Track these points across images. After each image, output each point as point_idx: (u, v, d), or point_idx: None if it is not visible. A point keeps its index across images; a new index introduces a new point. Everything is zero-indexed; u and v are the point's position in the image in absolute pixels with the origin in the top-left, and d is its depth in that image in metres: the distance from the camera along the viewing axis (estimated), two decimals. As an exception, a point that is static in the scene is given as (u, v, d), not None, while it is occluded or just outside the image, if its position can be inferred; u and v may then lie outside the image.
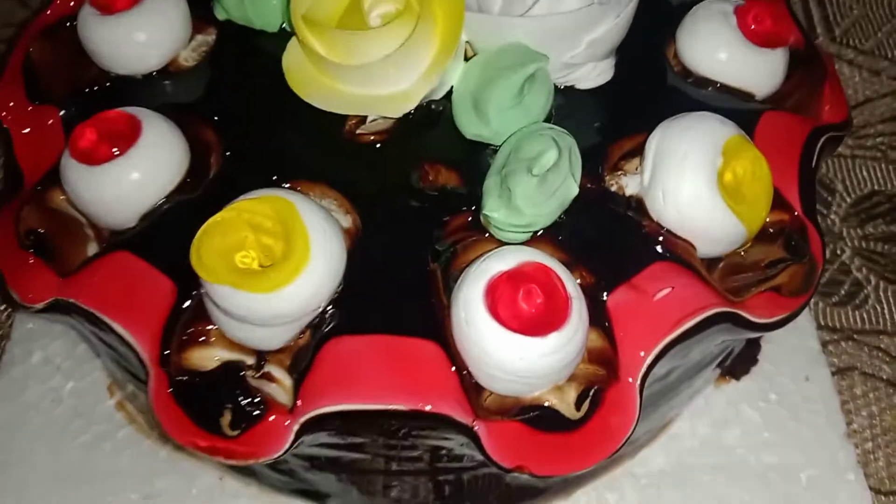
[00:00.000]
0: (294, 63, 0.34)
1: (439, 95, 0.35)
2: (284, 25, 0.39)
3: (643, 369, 0.31)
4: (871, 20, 0.62)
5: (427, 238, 0.33)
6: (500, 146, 0.34)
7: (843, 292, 0.48)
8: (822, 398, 0.42)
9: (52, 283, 0.34)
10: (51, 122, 0.39)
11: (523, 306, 0.28)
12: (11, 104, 0.40)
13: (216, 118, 0.37)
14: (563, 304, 0.29)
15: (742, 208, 0.31)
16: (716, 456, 0.40)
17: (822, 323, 0.47)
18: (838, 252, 0.50)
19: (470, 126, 0.34)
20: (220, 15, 0.40)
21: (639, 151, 0.35)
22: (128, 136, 0.33)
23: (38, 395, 0.43)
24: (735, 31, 0.37)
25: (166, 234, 0.34)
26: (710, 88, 0.38)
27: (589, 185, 0.33)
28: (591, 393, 0.30)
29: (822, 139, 0.38)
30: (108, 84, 0.39)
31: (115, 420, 0.42)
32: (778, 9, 0.38)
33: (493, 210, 0.32)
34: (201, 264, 0.29)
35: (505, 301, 0.29)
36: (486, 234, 0.33)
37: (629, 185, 0.34)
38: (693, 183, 0.31)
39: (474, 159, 0.34)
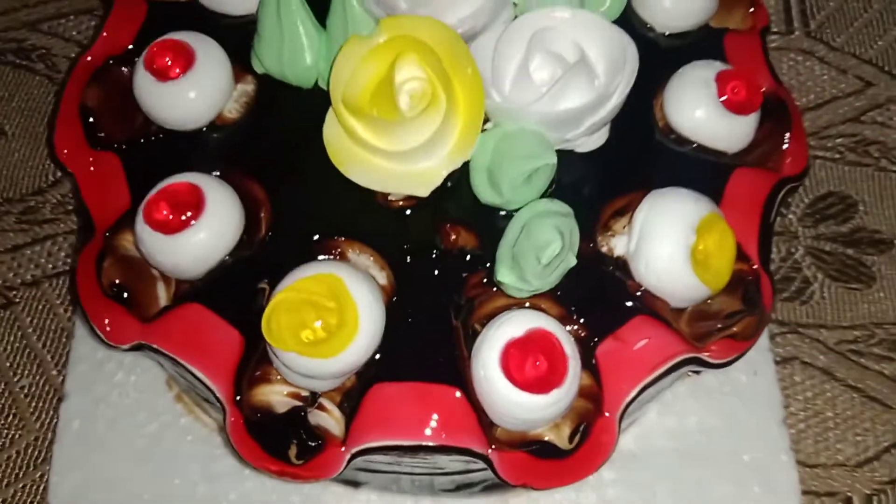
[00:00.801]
0: (333, 137, 0.40)
1: (458, 165, 0.40)
2: (319, 83, 0.44)
3: (622, 406, 0.39)
4: (845, 13, 0.66)
5: (449, 293, 0.40)
6: (511, 211, 0.40)
7: (793, 289, 0.56)
8: (766, 391, 0.50)
9: (134, 327, 0.40)
10: (111, 167, 0.44)
11: (531, 369, 0.36)
12: (70, 150, 0.45)
13: (263, 176, 0.42)
14: (563, 365, 0.36)
15: (709, 276, 0.38)
16: (677, 440, 0.49)
17: (773, 317, 0.55)
18: (792, 251, 0.57)
19: (485, 194, 0.40)
20: (258, 68, 0.44)
21: (626, 210, 0.42)
22: (195, 206, 0.39)
23: (106, 389, 0.50)
24: (714, 99, 0.42)
25: (230, 288, 0.40)
26: (688, 147, 0.44)
27: (584, 247, 0.40)
28: (580, 428, 0.38)
29: (782, 193, 0.44)
30: (160, 135, 0.44)
31: (175, 410, 0.50)
32: (752, 79, 0.43)
33: (505, 277, 0.38)
34: (272, 336, 0.35)
35: (516, 365, 0.36)
36: (499, 290, 0.40)
37: (617, 245, 0.41)
38: (671, 259, 0.38)
39: (489, 222, 0.41)
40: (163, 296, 0.41)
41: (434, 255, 0.40)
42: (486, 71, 0.41)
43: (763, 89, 0.45)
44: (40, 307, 0.55)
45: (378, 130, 0.38)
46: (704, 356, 0.40)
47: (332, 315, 0.36)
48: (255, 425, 0.38)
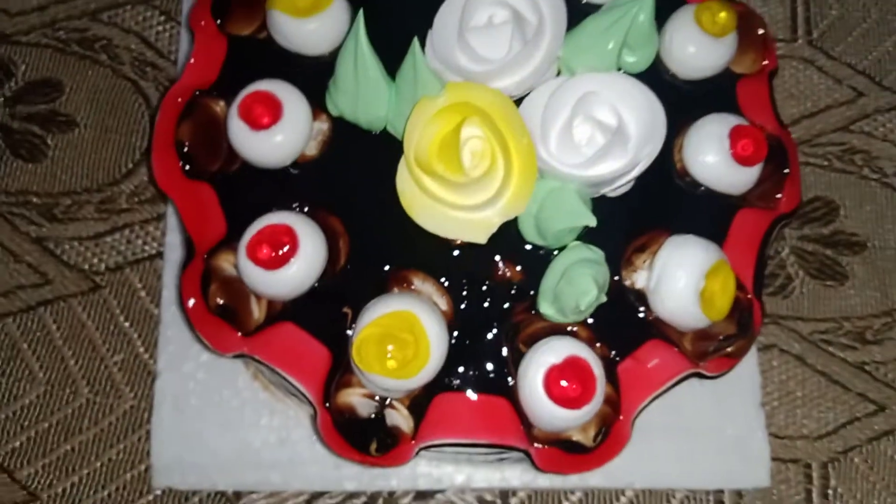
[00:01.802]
0: (406, 187, 0.47)
1: (512, 217, 0.48)
2: (388, 128, 0.50)
3: (636, 412, 0.48)
4: (846, 22, 0.71)
5: (499, 319, 0.48)
6: (551, 250, 0.48)
7: (777, 284, 0.65)
8: (748, 377, 0.60)
9: (236, 339, 0.49)
10: (206, 196, 0.51)
11: (568, 391, 0.45)
12: (168, 179, 0.51)
13: (340, 211, 0.49)
14: (592, 386, 0.45)
15: (712, 313, 0.47)
16: (669, 418, 0.59)
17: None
18: (779, 250, 0.66)
19: (531, 237, 0.48)
20: (333, 111, 0.50)
21: (646, 247, 0.50)
22: (290, 244, 0.46)
23: (193, 367, 0.59)
24: (727, 153, 0.49)
25: (318, 310, 0.48)
26: (700, 189, 0.51)
27: (610, 281, 0.48)
28: (602, 430, 0.47)
29: (777, 228, 0.52)
30: (248, 169, 0.50)
31: (253, 387, 0.59)
32: (758, 136, 0.50)
33: (547, 311, 0.47)
34: (362, 362, 0.44)
35: (556, 387, 0.45)
36: (540, 317, 0.48)
37: (637, 280, 0.49)
38: (683, 299, 0.46)
39: (533, 259, 0.48)
40: (257, 311, 0.49)
41: (486, 286, 0.48)
42: (535, 128, 0.48)
43: (767, 134, 0.52)
44: (124, 290, 0.63)
45: (445, 187, 0.46)
46: (703, 371, 0.49)
47: (409, 346, 0.44)
48: (341, 424, 0.47)
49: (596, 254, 0.47)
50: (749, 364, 0.61)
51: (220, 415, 0.58)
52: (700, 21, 0.51)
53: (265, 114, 0.47)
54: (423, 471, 0.59)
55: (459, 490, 0.59)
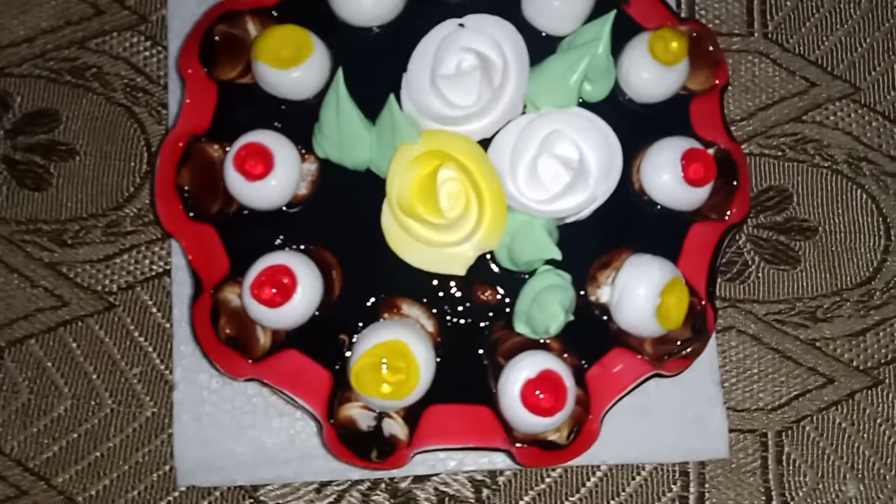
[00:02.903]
0: (390, 226, 0.52)
1: (486, 251, 0.53)
2: (370, 168, 0.54)
3: (604, 412, 0.55)
4: (799, 13, 0.75)
5: (480, 336, 0.54)
6: (523, 273, 0.53)
7: (734, 270, 0.70)
8: (707, 359, 0.66)
9: (245, 365, 0.54)
10: (209, 236, 0.56)
11: (542, 402, 0.51)
12: (173, 220, 0.56)
13: (333, 245, 0.54)
14: (564, 395, 0.51)
15: (668, 324, 0.53)
16: (636, 399, 0.65)
17: (717, 294, 0.70)
18: (737, 238, 0.71)
19: (505, 264, 0.53)
20: (320, 154, 0.55)
21: (609, 263, 0.55)
22: (290, 284, 0.51)
23: (206, 378, 0.64)
24: (679, 176, 0.54)
25: (317, 337, 0.54)
26: (657, 207, 0.56)
27: (578, 301, 0.54)
28: (574, 429, 0.54)
29: (728, 238, 0.57)
30: (246, 210, 0.55)
31: (263, 393, 0.65)
32: (708, 160, 0.54)
33: (521, 329, 0.53)
34: (359, 387, 0.50)
35: (531, 399, 0.51)
36: (516, 332, 0.54)
37: (601, 295, 0.54)
38: (641, 314, 0.52)
39: (508, 282, 0.54)
40: (263, 338, 0.55)
41: (467, 308, 0.54)
42: (504, 165, 0.53)
43: (717, 149, 0.57)
44: (137, 308, 0.68)
45: (426, 227, 0.51)
46: (662, 371, 0.56)
47: (401, 372, 0.50)
48: (345, 436, 0.53)
49: (563, 279, 0.52)
50: (708, 347, 0.67)
51: (234, 419, 0.64)
52: (653, 51, 0.55)
53: (258, 165, 0.52)
54: (419, 458, 0.65)
55: (452, 473, 0.66)
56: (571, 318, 0.52)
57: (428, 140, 0.51)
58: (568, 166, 0.51)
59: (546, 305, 0.50)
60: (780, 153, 0.73)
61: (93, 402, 0.67)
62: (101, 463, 0.66)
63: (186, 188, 0.55)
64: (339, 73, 0.51)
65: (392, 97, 0.50)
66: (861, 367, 0.69)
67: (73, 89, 0.71)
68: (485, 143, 0.53)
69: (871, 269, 0.71)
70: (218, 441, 0.64)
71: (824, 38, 0.75)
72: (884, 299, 0.70)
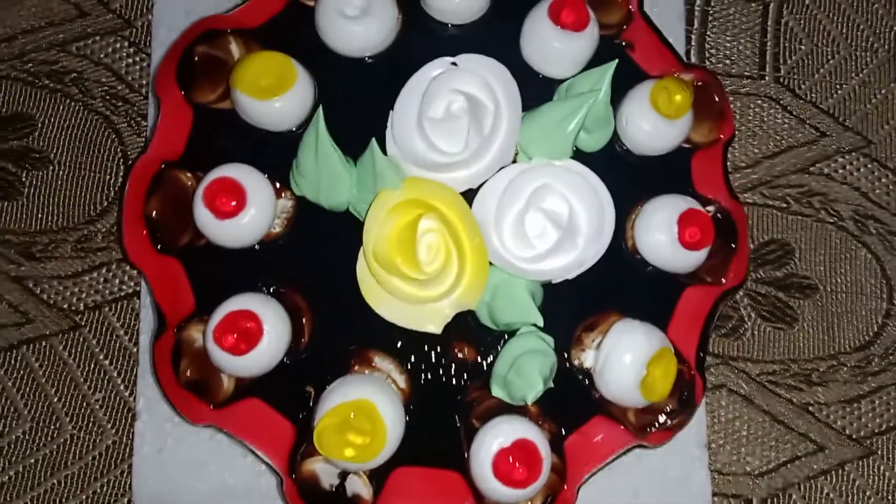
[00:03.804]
0: (365, 277, 0.49)
1: (465, 309, 0.50)
2: (349, 209, 0.51)
3: (581, 482, 0.52)
4: (814, 57, 0.72)
5: (454, 396, 0.51)
6: (504, 331, 0.50)
7: (729, 326, 0.67)
8: (695, 419, 0.63)
9: (206, 411, 0.51)
10: (175, 271, 0.53)
11: (515, 473, 0.48)
12: (139, 251, 0.53)
13: (304, 289, 0.51)
14: (539, 467, 0.49)
15: (653, 397, 0.50)
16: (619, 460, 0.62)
17: (710, 350, 0.67)
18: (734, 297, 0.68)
19: (485, 321, 0.50)
20: (297, 191, 0.52)
21: (596, 325, 0.52)
22: (255, 331, 0.48)
23: (169, 410, 0.61)
24: (674, 238, 0.51)
25: (283, 387, 0.51)
26: (649, 268, 0.53)
27: (559, 360, 0.51)
28: (548, 499, 0.51)
29: (723, 303, 0.55)
30: (215, 246, 0.52)
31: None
32: (706, 223, 0.51)
33: (498, 394, 0.50)
34: (323, 449, 0.47)
35: (504, 470, 0.48)
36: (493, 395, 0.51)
37: (586, 360, 0.51)
38: (625, 385, 0.49)
39: (487, 340, 0.51)
40: (226, 382, 0.52)
41: (443, 365, 0.51)
42: (489, 217, 0.50)
43: (718, 208, 0.54)
44: (104, 329, 0.65)
45: (403, 281, 0.48)
46: (645, 443, 0.53)
47: (366, 434, 0.47)
48: (306, 492, 0.51)
49: (545, 343, 0.49)
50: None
51: (197, 454, 0.61)
52: (655, 103, 0.52)
53: (228, 202, 0.49)
54: None
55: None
56: (551, 385, 0.49)
57: (410, 188, 0.48)
58: (557, 224, 0.48)
59: (525, 373, 0.47)
60: (784, 205, 0.70)
61: (52, 427, 0.64)
62: (58, 491, 0.63)
63: (154, 218, 0.52)
64: (320, 112, 0.48)
65: (374, 142, 0.47)
66: (854, 436, 0.66)
67: (50, 94, 0.68)
68: (472, 192, 0.50)
69: (871, 334, 0.68)
70: (179, 476, 0.61)
71: (838, 87, 0.71)
72: (882, 366, 0.67)
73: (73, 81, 0.68)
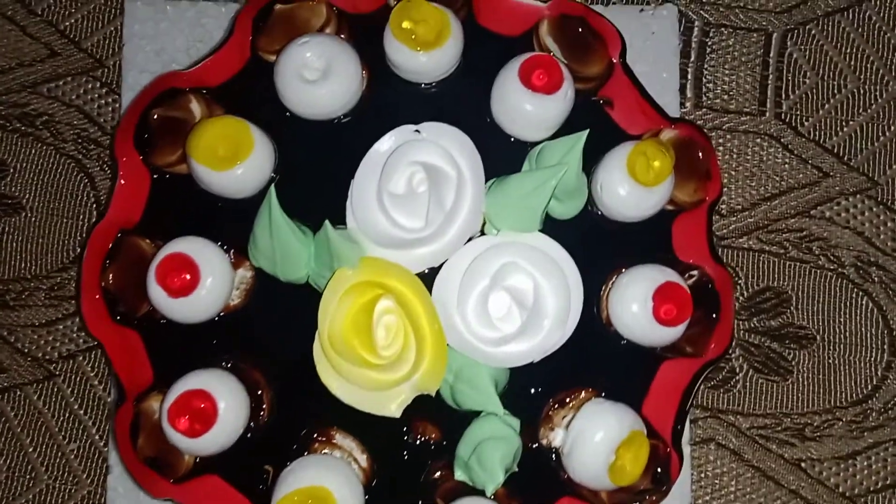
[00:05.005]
0: (321, 360, 0.47)
1: (424, 393, 0.48)
2: (308, 281, 0.49)
3: (548, 564, 0.50)
4: (819, 92, 0.67)
5: (417, 475, 0.50)
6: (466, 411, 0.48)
7: (719, 377, 0.65)
8: (680, 479, 0.61)
9: (166, 485, 0.50)
10: (134, 342, 0.51)
11: (477, 562, 0.47)
12: (98, 322, 0.52)
13: (264, 364, 0.50)
14: (501, 554, 0.47)
15: (623, 482, 0.48)
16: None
17: (697, 402, 0.65)
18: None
19: (448, 401, 0.48)
20: (255, 263, 0.50)
21: (567, 402, 0.50)
22: (211, 413, 0.47)
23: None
24: (649, 314, 0.49)
25: (241, 464, 0.50)
26: (624, 341, 0.51)
27: (527, 440, 0.49)
28: (514, 581, 0.50)
29: (703, 375, 0.52)
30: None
31: None
32: (683, 298, 0.49)
33: (461, 477, 0.48)
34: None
35: (465, 558, 0.47)
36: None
37: (555, 439, 0.49)
38: (594, 469, 0.47)
39: (450, 419, 0.49)
40: (187, 458, 0.51)
41: (406, 444, 0.49)
42: (452, 293, 0.47)
43: (700, 274, 0.52)
44: (78, 379, 0.64)
45: (360, 365, 0.46)
46: (617, 522, 0.51)
47: (320, 525, 0.46)
48: (265, 572, 0.50)
49: (509, 427, 0.47)
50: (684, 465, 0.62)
51: (167, 506, 0.61)
52: (632, 171, 0.49)
53: (181, 280, 0.47)
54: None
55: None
56: (515, 470, 0.47)
57: (366, 268, 0.46)
58: (522, 305, 0.46)
59: (486, 462, 0.45)
60: (781, 250, 0.66)
61: (28, 476, 0.63)
62: (33, 541, 0.63)
63: (112, 289, 0.50)
64: (272, 190, 0.46)
65: (327, 224, 0.45)
66: (847, 494, 0.64)
67: (22, 138, 0.67)
68: (434, 270, 0.48)
69: (869, 387, 0.65)
70: (150, 529, 0.61)
71: (843, 124, 0.67)
72: (880, 421, 0.64)
73: (44, 124, 0.67)
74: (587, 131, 0.47)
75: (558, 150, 0.47)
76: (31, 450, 0.64)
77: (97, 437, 0.64)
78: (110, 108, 0.67)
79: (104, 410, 0.64)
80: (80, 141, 0.66)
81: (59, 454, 0.64)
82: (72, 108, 0.67)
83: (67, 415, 0.64)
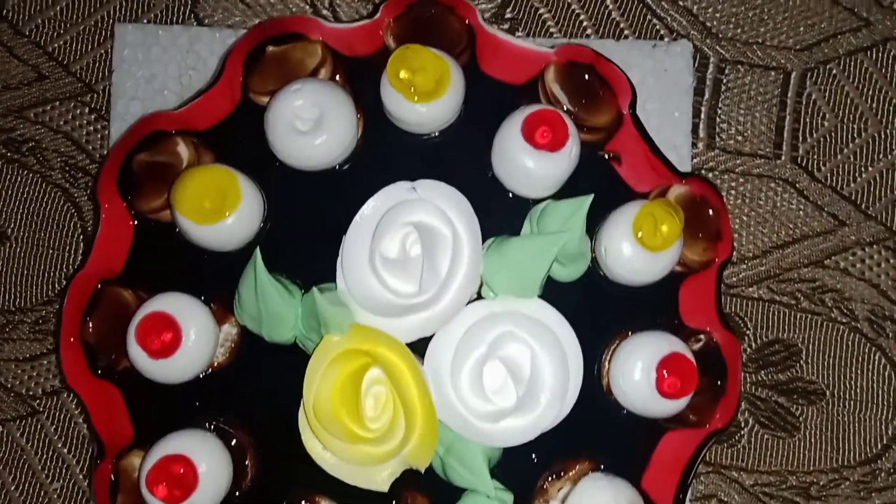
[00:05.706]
0: (305, 430, 0.45)
1: (414, 468, 0.46)
2: (297, 342, 0.47)
3: None
4: (838, 135, 0.64)
5: (405, 549, 0.48)
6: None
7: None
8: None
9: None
10: (114, 397, 0.49)
11: None
12: (77, 375, 0.49)
13: (248, 426, 0.48)
14: None
15: (619, 561, 0.46)
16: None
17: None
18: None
19: (439, 472, 0.46)
20: (240, 320, 0.48)
21: (563, 473, 0.48)
22: (191, 480, 0.45)
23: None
24: (652, 386, 0.46)
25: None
26: (623, 412, 0.48)
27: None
28: None
29: (707, 447, 0.50)
30: (155, 375, 0.48)
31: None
32: (688, 371, 0.46)
33: (450, 552, 0.46)
34: None
35: None
36: (447, 546, 0.47)
37: (550, 513, 0.47)
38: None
39: (440, 490, 0.47)
40: (167, 516, 0.49)
41: (394, 515, 0.48)
42: (446, 363, 0.45)
43: (707, 340, 0.49)
44: (61, 416, 0.62)
45: (346, 440, 0.44)
46: None
47: None
48: None
49: (502, 503, 0.45)
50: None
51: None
52: (640, 237, 0.46)
53: (162, 342, 0.45)
54: None
55: None
56: (504, 549, 0.45)
57: (356, 336, 0.43)
58: (518, 379, 0.44)
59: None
60: (793, 301, 0.64)
61: (9, 515, 0.62)
62: (14, 581, 0.62)
63: (92, 342, 0.48)
64: (257, 254, 0.43)
65: (315, 291, 0.43)
66: (853, 558, 0.62)
67: (7, 164, 0.64)
68: (426, 339, 0.46)
69: (879, 446, 0.62)
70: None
71: (862, 170, 0.64)
72: (889, 482, 0.62)
73: (30, 151, 0.64)
74: (592, 196, 0.44)
75: (561, 214, 0.45)
76: (13, 488, 0.62)
77: (81, 476, 0.62)
78: (99, 136, 0.64)
79: (88, 449, 0.62)
80: (67, 169, 0.64)
81: (42, 493, 0.62)
82: (59, 135, 0.64)
83: (51, 452, 0.62)
